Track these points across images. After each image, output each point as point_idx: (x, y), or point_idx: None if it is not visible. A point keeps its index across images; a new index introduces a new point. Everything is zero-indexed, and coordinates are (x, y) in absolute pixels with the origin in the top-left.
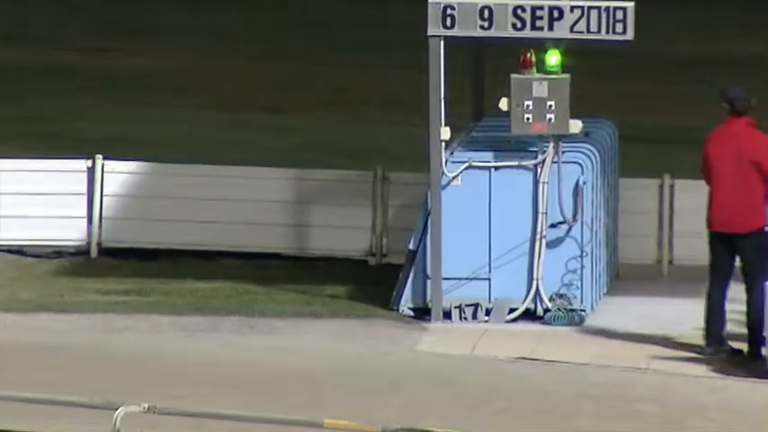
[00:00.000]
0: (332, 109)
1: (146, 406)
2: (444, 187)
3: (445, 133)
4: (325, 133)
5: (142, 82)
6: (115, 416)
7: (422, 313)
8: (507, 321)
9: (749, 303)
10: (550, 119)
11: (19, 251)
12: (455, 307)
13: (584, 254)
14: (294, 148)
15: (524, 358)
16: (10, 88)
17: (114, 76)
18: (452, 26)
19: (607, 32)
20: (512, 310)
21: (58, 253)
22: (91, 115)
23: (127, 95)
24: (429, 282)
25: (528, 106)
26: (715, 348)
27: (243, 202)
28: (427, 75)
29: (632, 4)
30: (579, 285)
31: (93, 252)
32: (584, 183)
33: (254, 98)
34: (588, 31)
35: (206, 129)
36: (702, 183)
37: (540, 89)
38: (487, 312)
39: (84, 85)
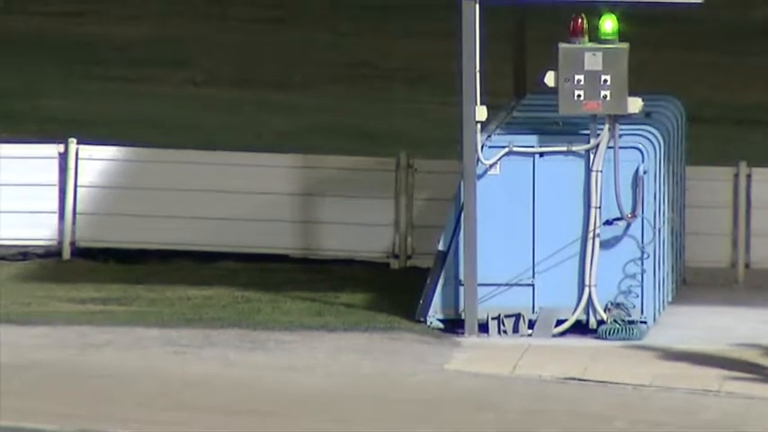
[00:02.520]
0: (347, 84)
1: None
2: (480, 177)
3: (481, 113)
4: (340, 113)
5: (125, 53)
6: None
7: (453, 325)
8: (554, 335)
9: None
10: (605, 96)
11: None
12: (493, 318)
13: (646, 256)
14: (303, 131)
15: (574, 379)
16: None
17: (92, 45)
18: None
19: None
20: (559, 323)
21: (23, 254)
22: (63, 92)
23: (106, 69)
24: (462, 288)
25: (579, 81)
26: None
27: (243, 194)
28: (460, 44)
29: None
30: (639, 293)
31: (66, 253)
32: (645, 172)
33: (256, 72)
34: None
35: (199, 108)
36: None
37: (594, 61)
38: (531, 324)
39: (56, 56)
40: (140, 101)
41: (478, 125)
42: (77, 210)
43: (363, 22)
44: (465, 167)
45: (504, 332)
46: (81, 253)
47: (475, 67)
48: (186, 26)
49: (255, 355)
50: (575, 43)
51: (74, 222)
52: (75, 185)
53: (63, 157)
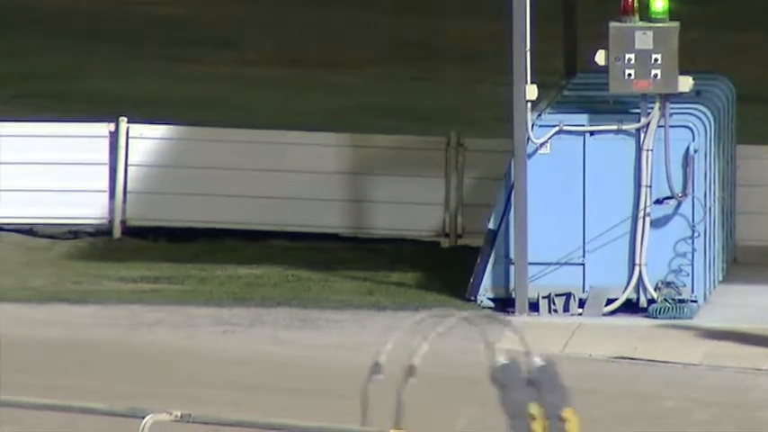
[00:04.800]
0: (397, 64)
1: (177, 414)
2: (530, 156)
3: (531, 92)
4: (389, 92)
5: (172, 32)
6: (141, 425)
7: (504, 304)
8: (604, 314)
9: None
10: (656, 75)
11: (29, 231)
12: (543, 297)
13: (696, 234)
14: (352, 110)
15: (625, 358)
16: (13, 37)
17: (139, 24)
18: None
19: None
20: (610, 302)
21: (74, 233)
22: (112, 70)
23: (154, 48)
24: (512, 267)
25: (629, 60)
26: None
27: (293, 173)
28: (510, 23)
29: None
30: (690, 272)
31: (117, 232)
32: (696, 151)
33: (304, 51)
34: None
35: (248, 87)
36: None
37: (644, 40)
38: (581, 303)
39: (104, 35)
40: (188, 80)
41: (529, 104)
42: (128, 188)
43: (403, 1)
44: (515, 146)
45: (555, 311)
46: (131, 232)
47: (525, 46)
48: (231, 6)
49: (305, 334)
50: (625, 22)
51: (124, 201)
52: (126, 164)
53: (114, 136)
